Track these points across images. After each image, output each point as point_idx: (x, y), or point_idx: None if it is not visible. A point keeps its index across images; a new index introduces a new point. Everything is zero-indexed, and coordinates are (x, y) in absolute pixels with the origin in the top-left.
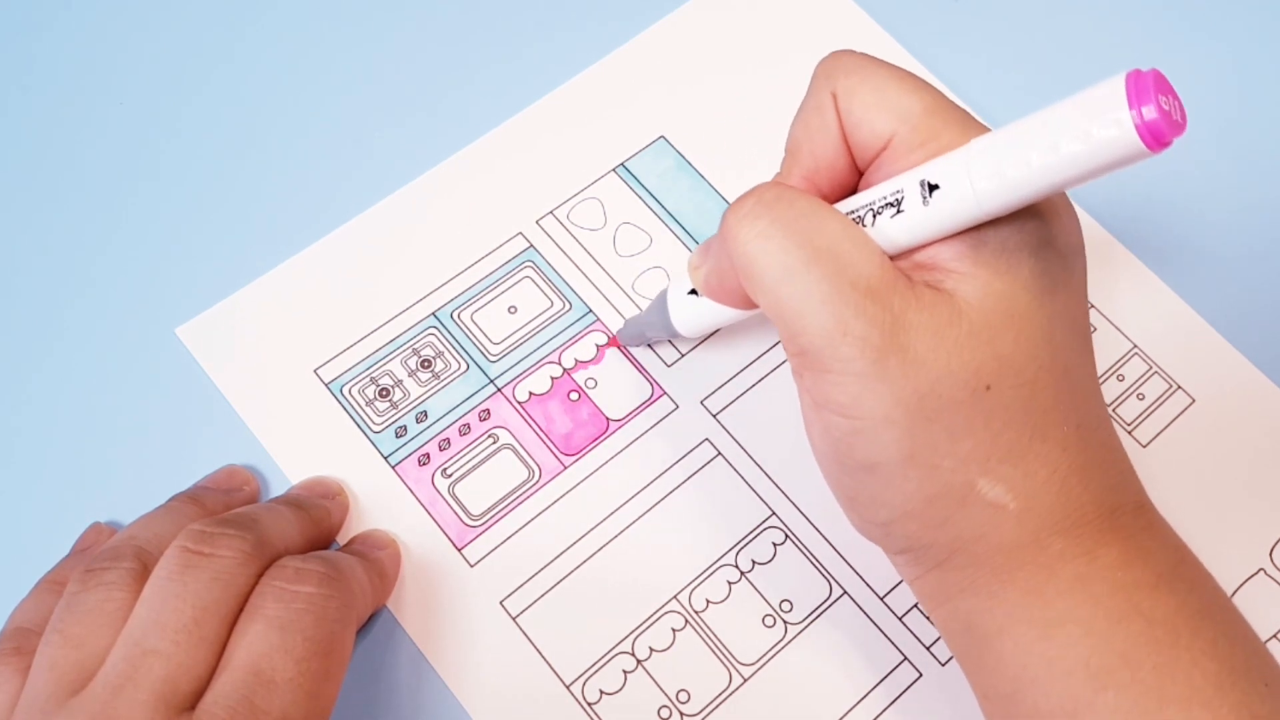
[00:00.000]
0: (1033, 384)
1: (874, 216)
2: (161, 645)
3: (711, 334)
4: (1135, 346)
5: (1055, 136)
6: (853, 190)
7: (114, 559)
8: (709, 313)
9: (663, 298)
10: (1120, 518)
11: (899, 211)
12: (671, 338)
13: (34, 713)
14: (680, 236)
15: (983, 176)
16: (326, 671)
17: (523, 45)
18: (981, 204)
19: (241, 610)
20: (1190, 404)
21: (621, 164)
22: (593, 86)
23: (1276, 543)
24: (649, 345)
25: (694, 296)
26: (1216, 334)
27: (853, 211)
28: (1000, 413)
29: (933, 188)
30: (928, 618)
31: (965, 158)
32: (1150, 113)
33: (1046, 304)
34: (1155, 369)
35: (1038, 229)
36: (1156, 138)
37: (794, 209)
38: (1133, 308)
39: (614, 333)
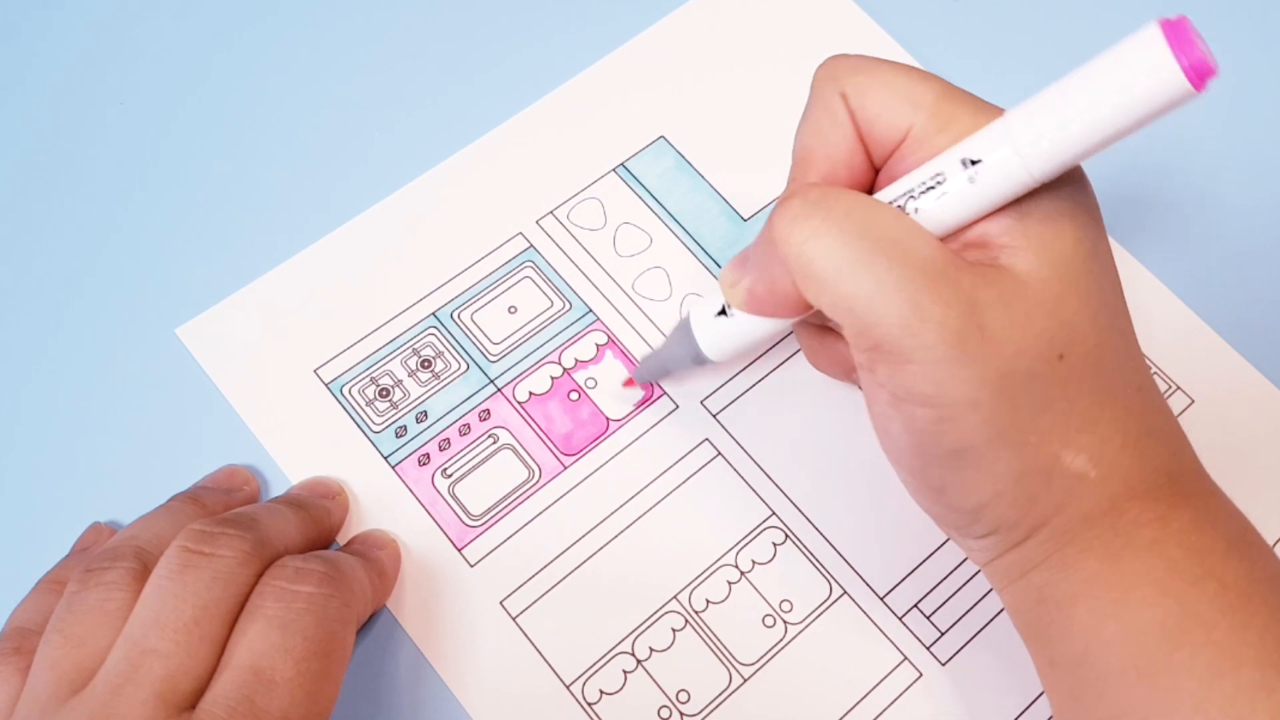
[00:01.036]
0: (1099, 348)
1: (913, 202)
2: (161, 645)
3: (739, 355)
4: None
5: (1099, 91)
6: (868, 190)
7: (114, 558)
8: (744, 332)
9: (685, 326)
10: (1185, 483)
11: (943, 193)
12: (698, 366)
13: (34, 712)
14: (680, 236)
15: (1028, 142)
16: (326, 671)
17: (523, 45)
18: (1031, 170)
19: (241, 610)
20: (1189, 404)
21: (621, 164)
22: (593, 86)
23: (1276, 543)
24: (665, 381)
25: (723, 318)
26: (1216, 335)
27: (891, 201)
28: (1074, 381)
29: (974, 163)
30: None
31: (1004, 128)
32: (1192, 53)
33: (1094, 268)
34: (1154, 370)
35: (1073, 194)
36: (1200, 76)
37: (842, 203)
38: (1132, 309)
39: (630, 375)
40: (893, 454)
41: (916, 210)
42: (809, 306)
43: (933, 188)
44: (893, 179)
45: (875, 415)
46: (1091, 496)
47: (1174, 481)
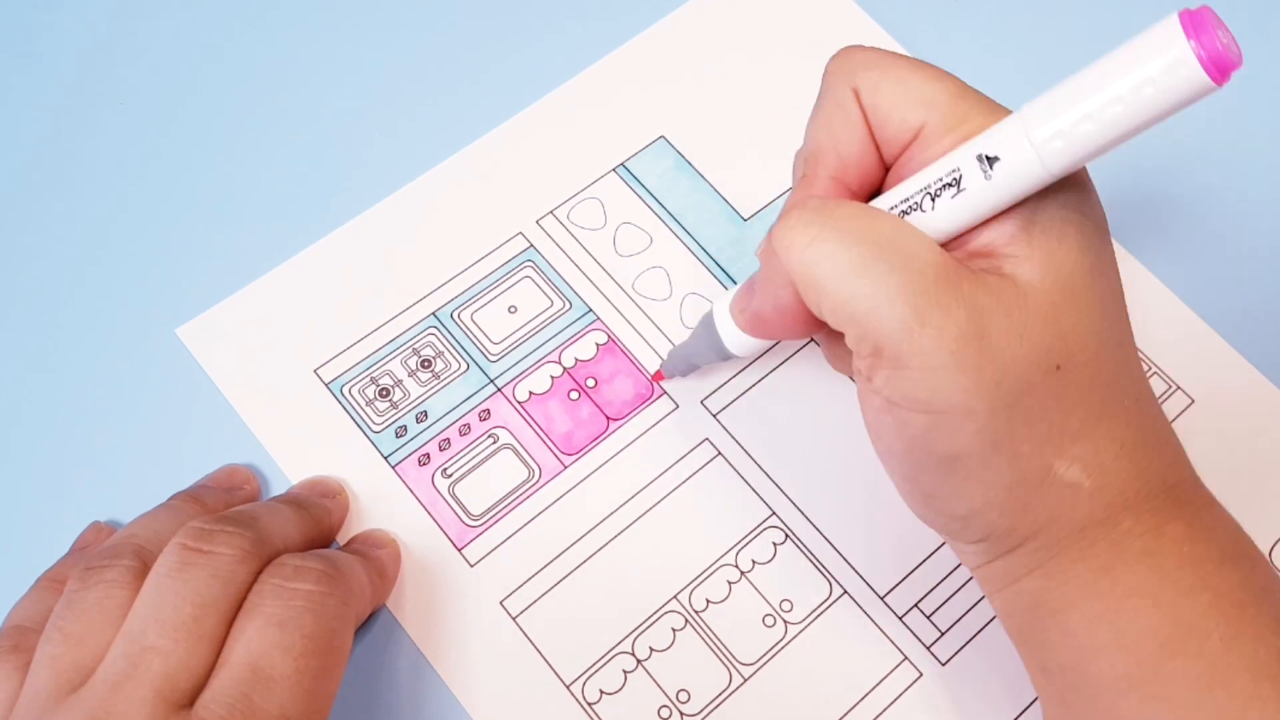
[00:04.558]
0: (1097, 360)
1: (932, 200)
2: (160, 642)
3: (765, 351)
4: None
5: (1117, 85)
6: (878, 186)
7: (114, 557)
8: None
9: (709, 320)
10: (1181, 493)
11: (960, 190)
12: (723, 360)
13: (34, 710)
14: (680, 236)
15: (1045, 138)
16: (325, 669)
17: (523, 44)
18: (1048, 165)
19: (240, 608)
20: (1189, 404)
21: (621, 164)
22: (593, 86)
23: (1276, 542)
24: (693, 373)
25: None
26: (1216, 334)
27: (907, 199)
28: (1071, 392)
29: (992, 160)
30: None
31: (1021, 124)
32: (1211, 44)
33: (1098, 279)
34: (1154, 369)
35: (1078, 203)
36: (1221, 69)
37: (841, 211)
38: (1132, 309)
39: (658, 368)
40: (885, 458)
41: (933, 209)
42: (812, 326)
43: (950, 185)
44: (902, 177)
45: (869, 421)
46: (1085, 506)
47: (1169, 492)
